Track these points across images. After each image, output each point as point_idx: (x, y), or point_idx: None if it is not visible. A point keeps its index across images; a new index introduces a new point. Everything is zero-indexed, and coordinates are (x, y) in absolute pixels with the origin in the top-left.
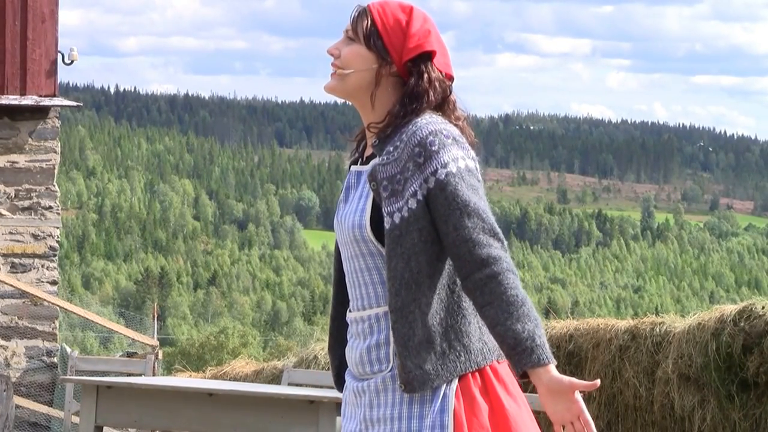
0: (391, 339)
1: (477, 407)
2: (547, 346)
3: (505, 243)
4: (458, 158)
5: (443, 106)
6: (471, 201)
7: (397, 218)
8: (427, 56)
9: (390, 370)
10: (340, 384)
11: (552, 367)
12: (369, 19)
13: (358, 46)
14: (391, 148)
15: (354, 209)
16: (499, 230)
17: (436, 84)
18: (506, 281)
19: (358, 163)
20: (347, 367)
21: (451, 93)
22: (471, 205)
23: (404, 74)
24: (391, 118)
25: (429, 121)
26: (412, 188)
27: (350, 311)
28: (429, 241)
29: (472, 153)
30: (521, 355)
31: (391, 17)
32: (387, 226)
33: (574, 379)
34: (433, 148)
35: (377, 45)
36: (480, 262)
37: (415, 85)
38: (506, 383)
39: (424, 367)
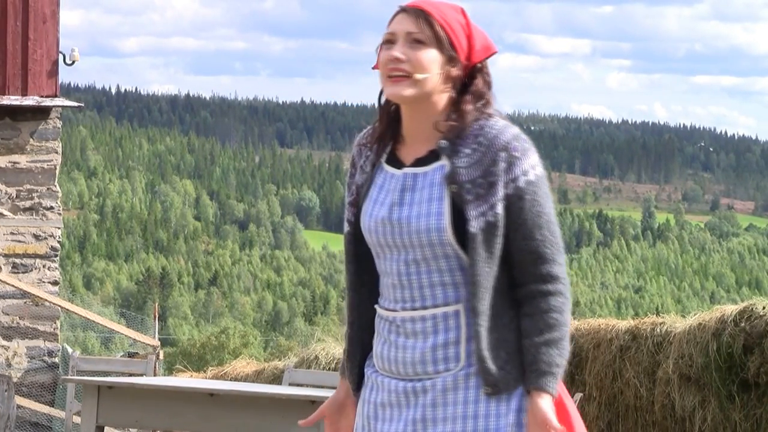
0: (462, 338)
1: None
2: (558, 379)
3: (564, 256)
4: (536, 165)
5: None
6: (544, 212)
7: (482, 222)
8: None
9: (461, 369)
10: (357, 389)
11: (548, 399)
12: (436, 22)
13: (429, 49)
14: (469, 151)
15: (425, 212)
16: (561, 243)
17: (491, 82)
18: (555, 303)
19: (379, 165)
20: (362, 369)
21: None
22: (544, 216)
23: (464, 75)
24: (467, 116)
25: (506, 125)
26: (498, 193)
27: (395, 311)
28: (504, 245)
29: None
30: (532, 374)
31: (453, 19)
32: (472, 230)
33: (552, 419)
34: (516, 154)
35: (449, 48)
36: (539, 276)
37: (482, 85)
38: (562, 384)
39: (506, 368)
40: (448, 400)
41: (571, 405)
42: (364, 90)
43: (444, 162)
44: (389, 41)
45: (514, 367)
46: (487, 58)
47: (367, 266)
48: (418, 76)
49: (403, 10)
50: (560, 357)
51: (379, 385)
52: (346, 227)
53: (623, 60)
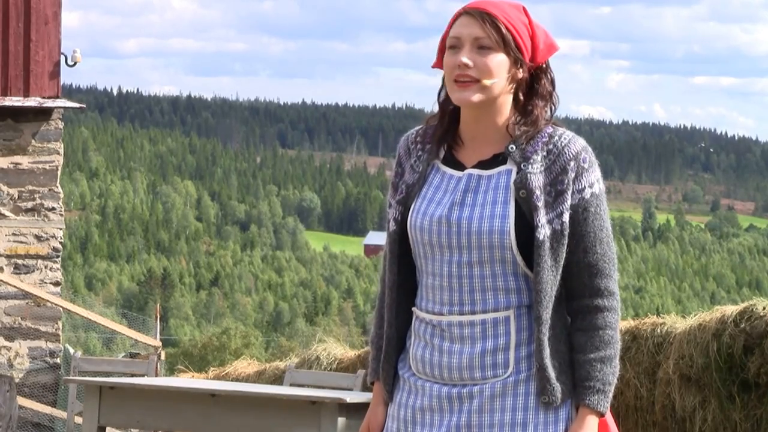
0: (512, 345)
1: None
2: (609, 398)
3: (617, 272)
4: (600, 179)
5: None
6: (605, 227)
7: (549, 230)
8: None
9: (510, 375)
10: (390, 391)
11: (596, 418)
12: (502, 25)
13: (497, 54)
14: (539, 157)
15: (490, 214)
16: (616, 259)
17: (555, 82)
18: (609, 319)
19: (434, 165)
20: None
21: None
22: (604, 231)
23: (529, 76)
24: (540, 121)
25: (574, 135)
26: (567, 203)
27: (441, 314)
28: (565, 255)
29: None
30: (585, 390)
31: (517, 20)
32: (539, 237)
33: None
34: (585, 165)
35: (515, 51)
36: (595, 291)
37: (548, 85)
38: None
39: (561, 378)
40: (495, 407)
41: (613, 426)
42: (364, 91)
43: (510, 166)
44: (454, 46)
45: (568, 378)
46: (551, 56)
47: (407, 266)
48: (487, 82)
49: (467, 12)
50: (613, 375)
51: (419, 390)
52: (392, 226)
53: (622, 61)
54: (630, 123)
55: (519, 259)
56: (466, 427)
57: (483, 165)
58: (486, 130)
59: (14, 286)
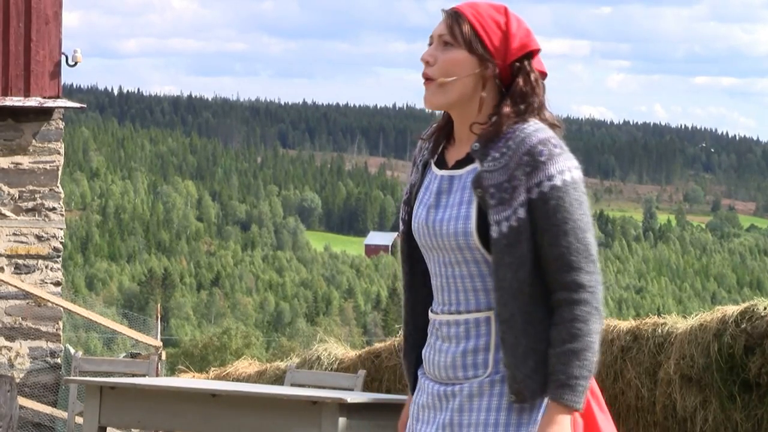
0: (492, 346)
1: (574, 422)
2: (579, 392)
3: (597, 264)
4: (564, 170)
5: (540, 106)
6: (570, 218)
7: (505, 227)
8: (530, 55)
9: (488, 376)
10: (413, 389)
11: (566, 414)
12: (466, 22)
13: (458, 51)
14: (497, 155)
15: (455, 215)
16: (593, 251)
17: (539, 83)
18: (578, 312)
19: (429, 164)
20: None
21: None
22: (570, 223)
23: (505, 76)
24: (503, 119)
25: (537, 128)
26: (520, 198)
27: (437, 314)
28: (534, 251)
29: (576, 162)
30: (552, 384)
31: (489, 19)
32: (494, 235)
33: None
34: (541, 159)
35: (479, 48)
36: (563, 284)
37: (523, 85)
38: (599, 398)
39: (534, 377)
40: (473, 406)
41: (606, 423)
42: (365, 91)
43: (476, 165)
44: (429, 44)
45: (543, 376)
46: (525, 57)
47: (420, 267)
48: (443, 79)
49: (443, 11)
50: (581, 369)
51: (422, 387)
52: (401, 226)
53: (622, 61)
54: (631, 123)
55: (489, 258)
56: (449, 425)
57: (458, 165)
58: (465, 128)
59: (15, 286)
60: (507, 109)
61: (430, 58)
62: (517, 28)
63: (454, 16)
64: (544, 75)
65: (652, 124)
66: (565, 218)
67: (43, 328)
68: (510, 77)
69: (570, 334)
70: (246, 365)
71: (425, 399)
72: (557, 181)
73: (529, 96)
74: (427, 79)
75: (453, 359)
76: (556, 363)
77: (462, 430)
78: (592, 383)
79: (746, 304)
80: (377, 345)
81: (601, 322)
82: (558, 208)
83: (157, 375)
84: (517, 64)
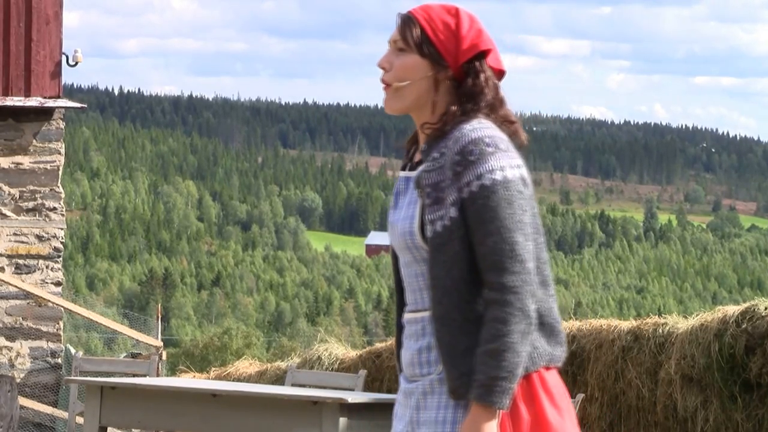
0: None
1: (519, 416)
2: (498, 392)
3: (526, 264)
4: (495, 170)
5: (494, 104)
6: (497, 218)
7: (439, 226)
8: (482, 55)
9: (439, 373)
10: None
11: (486, 413)
12: (417, 26)
13: (410, 56)
14: (437, 155)
15: (404, 216)
16: (521, 251)
17: (491, 82)
18: (499, 313)
19: (407, 168)
20: None
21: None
22: (496, 222)
23: (460, 76)
24: (447, 119)
25: (475, 128)
26: (452, 197)
27: (406, 313)
28: (470, 250)
29: (517, 161)
30: (474, 384)
31: (439, 21)
32: (429, 234)
33: None
34: (471, 158)
35: (430, 51)
36: (489, 284)
37: (472, 85)
38: (553, 394)
39: (470, 375)
40: (427, 404)
41: (557, 419)
42: (365, 91)
43: (422, 166)
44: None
45: None
46: (478, 56)
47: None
48: (397, 84)
49: (398, 15)
50: (498, 369)
51: (400, 385)
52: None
53: (623, 61)
54: (631, 123)
55: None
56: (410, 423)
57: (415, 166)
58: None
59: (15, 286)
60: (453, 109)
61: (386, 64)
62: (467, 29)
63: (406, 21)
64: (501, 73)
65: (652, 124)
66: (492, 217)
67: (44, 328)
68: (464, 78)
69: (490, 335)
70: (247, 365)
71: (400, 396)
72: (486, 181)
73: (477, 95)
74: (385, 84)
75: (411, 357)
76: (477, 363)
77: (420, 427)
78: (550, 378)
79: (747, 305)
80: (378, 345)
81: (525, 323)
82: (485, 208)
83: (158, 375)
84: (469, 64)
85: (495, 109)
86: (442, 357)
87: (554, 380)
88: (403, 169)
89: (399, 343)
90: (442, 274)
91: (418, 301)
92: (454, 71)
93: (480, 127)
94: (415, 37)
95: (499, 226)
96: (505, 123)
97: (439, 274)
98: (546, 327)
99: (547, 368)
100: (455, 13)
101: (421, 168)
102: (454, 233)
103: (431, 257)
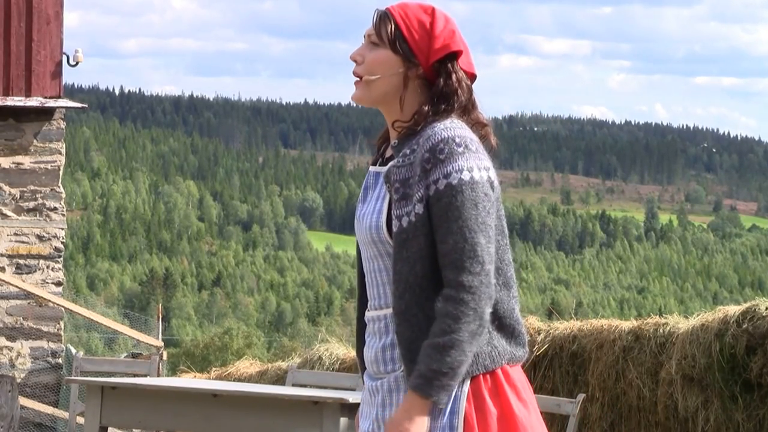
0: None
1: (487, 410)
2: (436, 386)
3: (486, 266)
4: (463, 169)
5: (467, 106)
6: (460, 217)
7: (404, 222)
8: (453, 56)
9: (403, 370)
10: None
11: (420, 403)
12: (392, 22)
13: (382, 50)
14: (408, 151)
15: (371, 210)
16: (481, 252)
17: (464, 84)
18: (452, 309)
19: (377, 163)
20: None
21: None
22: (459, 222)
23: (431, 76)
24: (420, 118)
25: (446, 127)
26: (419, 193)
27: (368, 310)
28: (434, 247)
29: (486, 163)
30: (414, 373)
31: (414, 19)
32: (395, 229)
33: (407, 425)
34: (441, 156)
35: (403, 48)
36: (447, 280)
37: (444, 86)
38: (518, 388)
39: None
40: (392, 401)
41: (524, 412)
42: None
43: (392, 162)
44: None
45: None
46: (449, 57)
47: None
48: (369, 78)
49: (376, 11)
50: (441, 363)
51: (365, 383)
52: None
53: (623, 61)
54: (632, 123)
55: None
56: (376, 420)
57: (385, 161)
58: (392, 126)
59: (16, 286)
60: (425, 108)
61: (358, 57)
62: (441, 28)
63: (383, 17)
64: (472, 76)
65: (653, 124)
66: (456, 216)
67: (45, 328)
68: (435, 77)
69: (440, 329)
70: (247, 365)
71: (365, 394)
72: (453, 180)
73: (450, 96)
74: (356, 76)
75: (376, 354)
76: (421, 354)
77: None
78: (514, 372)
79: (748, 305)
80: None
81: (477, 324)
82: (450, 207)
83: (159, 375)
84: (437, 64)
85: (468, 112)
86: (402, 353)
87: (518, 375)
88: (374, 164)
89: (361, 341)
90: (406, 269)
91: (381, 296)
92: (425, 69)
93: (452, 127)
94: (390, 33)
95: (462, 225)
96: (477, 125)
97: (402, 269)
98: (506, 328)
99: (511, 365)
100: (431, 12)
101: (391, 163)
102: (419, 230)
103: (395, 253)
